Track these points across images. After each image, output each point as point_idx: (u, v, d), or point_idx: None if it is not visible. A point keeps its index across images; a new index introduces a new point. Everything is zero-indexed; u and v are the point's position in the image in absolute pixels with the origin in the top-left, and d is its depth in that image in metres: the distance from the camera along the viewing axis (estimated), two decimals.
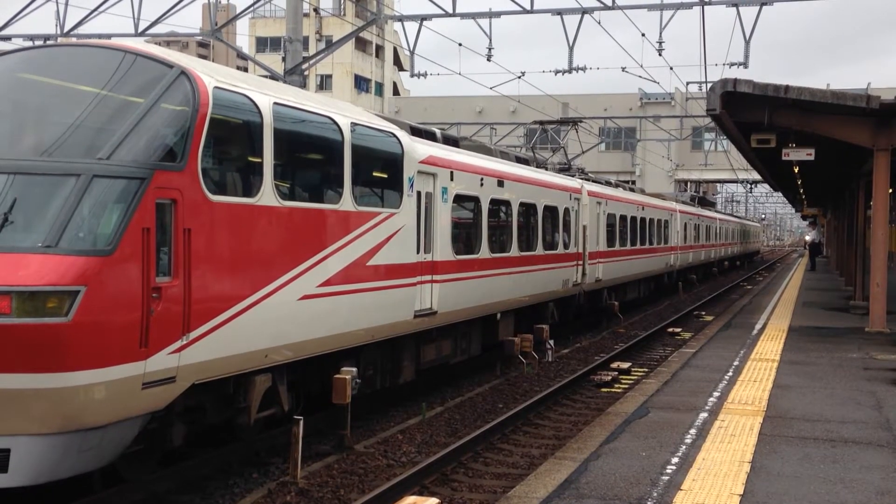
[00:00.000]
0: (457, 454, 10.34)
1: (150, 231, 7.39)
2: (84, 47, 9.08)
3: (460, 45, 27.72)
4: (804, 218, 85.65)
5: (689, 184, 73.87)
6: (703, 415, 10.01)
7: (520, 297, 16.93)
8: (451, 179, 13.75)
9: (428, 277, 12.83)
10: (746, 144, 20.06)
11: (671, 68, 30.39)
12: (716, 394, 11.25)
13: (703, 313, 27.88)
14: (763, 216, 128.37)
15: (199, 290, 7.93)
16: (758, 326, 19.22)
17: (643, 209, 28.92)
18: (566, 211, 20.04)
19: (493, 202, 15.56)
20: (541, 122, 26.84)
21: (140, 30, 21.89)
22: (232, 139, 8.95)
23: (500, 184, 15.93)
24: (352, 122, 10.89)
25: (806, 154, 19.41)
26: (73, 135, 7.64)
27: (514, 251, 16.50)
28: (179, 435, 8.51)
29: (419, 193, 12.62)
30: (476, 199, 14.90)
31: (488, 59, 23.85)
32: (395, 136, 12.10)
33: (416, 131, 13.39)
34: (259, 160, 8.99)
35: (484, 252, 15.05)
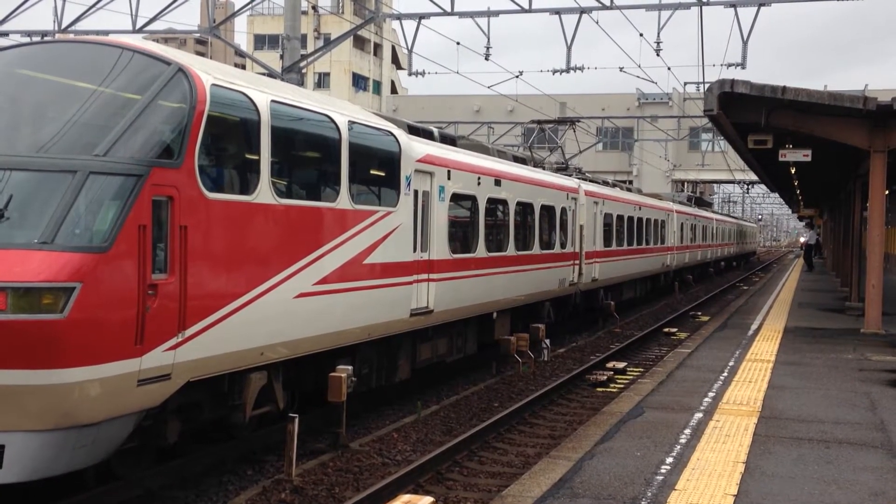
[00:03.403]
0: (452, 453, 10.35)
1: (146, 228, 7.39)
2: (81, 44, 9.08)
3: (458, 43, 27.74)
4: (800, 219, 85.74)
5: (686, 184, 73.96)
6: (698, 415, 10.02)
7: (516, 296, 16.94)
8: (449, 178, 13.75)
9: (424, 276, 12.83)
10: (743, 145, 20.07)
11: (669, 69, 30.43)
12: (711, 394, 11.27)
13: (699, 313, 27.91)
14: (760, 217, 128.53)
15: (194, 287, 7.94)
16: (753, 327, 19.24)
17: (640, 209, 28.94)
18: (563, 210, 20.05)
19: (490, 201, 15.57)
20: (538, 122, 26.85)
21: (138, 27, 21.90)
22: (229, 137, 8.95)
23: (498, 183, 15.94)
24: (349, 121, 10.89)
25: (802, 155, 19.43)
26: (69, 131, 7.64)
27: (510, 250, 16.51)
28: (174, 432, 8.51)
29: (416, 192, 12.62)
30: (473, 199, 14.90)
31: (486, 59, 23.87)
32: (392, 134, 12.10)
33: (413, 130, 13.39)
34: (256, 158, 8.99)
35: (481, 251, 15.06)
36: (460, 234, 14.56)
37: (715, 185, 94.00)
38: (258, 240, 8.93)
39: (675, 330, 23.21)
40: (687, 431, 9.20)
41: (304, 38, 27.89)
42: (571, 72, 24.21)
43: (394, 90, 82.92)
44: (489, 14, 22.21)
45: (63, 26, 22.51)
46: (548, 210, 18.96)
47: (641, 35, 25.31)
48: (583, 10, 21.24)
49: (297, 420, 9.22)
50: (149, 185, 7.45)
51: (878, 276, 18.25)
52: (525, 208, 17.53)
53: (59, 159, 7.32)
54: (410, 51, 23.60)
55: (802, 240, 66.73)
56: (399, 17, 22.95)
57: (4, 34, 24.26)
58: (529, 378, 15.95)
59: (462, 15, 21.50)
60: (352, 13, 66.31)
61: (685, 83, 35.87)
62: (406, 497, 8.03)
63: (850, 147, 18.20)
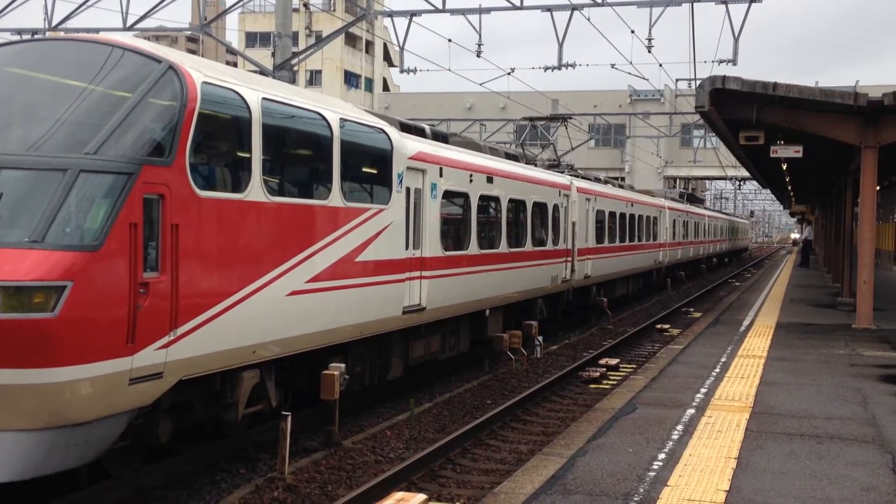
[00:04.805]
0: (445, 450, 10.36)
1: (137, 226, 7.37)
2: (72, 42, 9.04)
3: (450, 40, 27.70)
4: (792, 215, 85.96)
5: (678, 180, 74.04)
6: (691, 411, 10.04)
7: (508, 293, 16.95)
8: (441, 175, 13.75)
9: (417, 273, 12.83)
10: (735, 142, 20.11)
11: (661, 65, 30.50)
12: (703, 390, 11.29)
13: (692, 310, 27.96)
14: (752, 213, 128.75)
15: (186, 285, 7.92)
16: (745, 323, 19.28)
17: (632, 206, 28.97)
18: (555, 207, 20.06)
19: (483, 198, 15.57)
20: (530, 119, 26.86)
21: (129, 24, 21.81)
22: (220, 134, 8.93)
23: (490, 180, 15.94)
24: (341, 118, 10.87)
25: (794, 151, 19.46)
26: (60, 129, 7.61)
27: (502, 247, 16.52)
28: (166, 431, 8.49)
29: (408, 189, 12.62)
30: (465, 196, 14.90)
31: (478, 56, 23.86)
32: (384, 132, 12.09)
33: (405, 127, 13.38)
34: (247, 155, 8.97)
35: (473, 248, 15.06)
36: (452, 232, 14.56)
37: (707, 181, 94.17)
38: (250, 238, 8.92)
39: (667, 326, 23.25)
40: (679, 427, 9.22)
41: (295, 36, 27.86)
42: (563, 69, 24.21)
43: (386, 88, 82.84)
44: (481, 11, 22.21)
45: (53, 24, 22.42)
46: (540, 207, 18.97)
47: (633, 32, 25.30)
48: (574, 7, 21.26)
49: (289, 418, 9.22)
50: (139, 183, 7.43)
51: (869, 272, 18.30)
52: (517, 205, 17.54)
53: (50, 157, 7.29)
54: (402, 48, 23.58)
55: (794, 236, 66.92)
56: (391, 14, 22.93)
57: None
58: (522, 375, 15.96)
59: (454, 12, 21.50)
60: (343, 10, 66.20)
61: (677, 80, 36.00)
62: (399, 494, 8.02)
63: (841, 143, 18.25)
